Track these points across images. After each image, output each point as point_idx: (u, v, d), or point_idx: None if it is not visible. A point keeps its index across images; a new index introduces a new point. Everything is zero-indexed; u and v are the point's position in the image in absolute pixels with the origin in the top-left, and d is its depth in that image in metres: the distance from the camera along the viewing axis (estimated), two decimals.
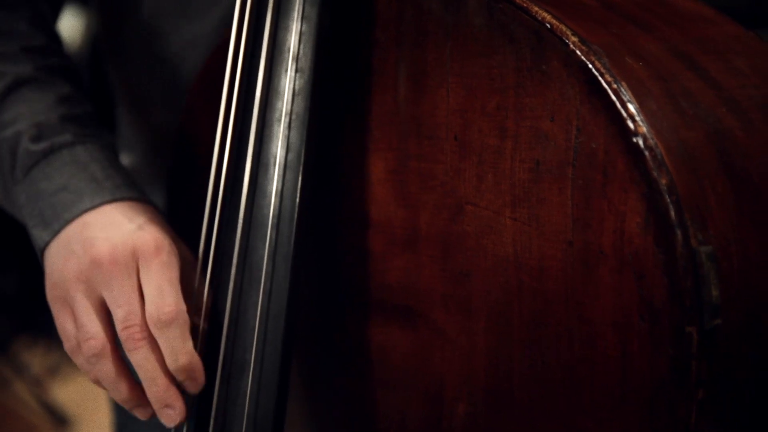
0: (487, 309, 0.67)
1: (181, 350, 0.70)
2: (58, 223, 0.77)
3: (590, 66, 0.61)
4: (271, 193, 0.71)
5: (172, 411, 0.71)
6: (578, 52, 0.61)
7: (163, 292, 0.71)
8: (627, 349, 0.61)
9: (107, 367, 0.72)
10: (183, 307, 0.71)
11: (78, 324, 0.73)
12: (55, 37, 0.92)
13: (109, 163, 0.80)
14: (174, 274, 0.72)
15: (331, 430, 0.81)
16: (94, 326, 0.72)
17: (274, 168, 0.71)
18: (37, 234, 0.78)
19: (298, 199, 0.70)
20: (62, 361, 2.90)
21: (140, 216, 0.76)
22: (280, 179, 0.71)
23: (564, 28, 0.62)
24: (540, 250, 0.64)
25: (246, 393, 0.71)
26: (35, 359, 2.92)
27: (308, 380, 0.81)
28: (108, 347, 0.72)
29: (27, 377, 2.82)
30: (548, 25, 0.62)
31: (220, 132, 0.73)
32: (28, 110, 0.82)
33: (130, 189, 0.79)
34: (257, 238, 0.71)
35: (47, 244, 0.77)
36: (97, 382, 0.74)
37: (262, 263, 0.71)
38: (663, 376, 0.59)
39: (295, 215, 0.70)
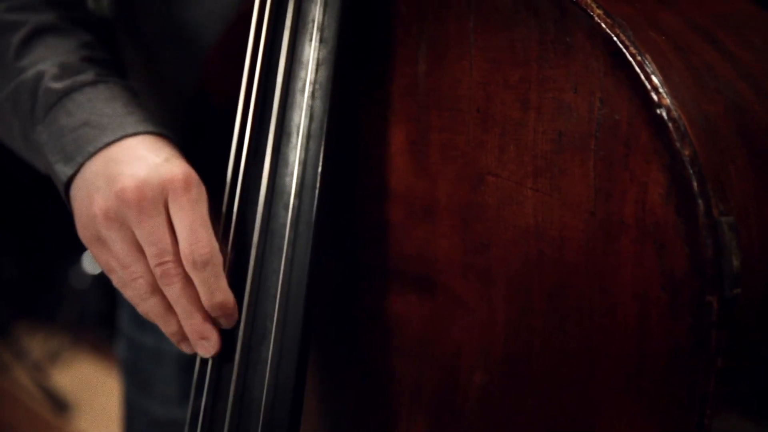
0: (506, 279, 0.68)
1: (216, 288, 0.71)
2: (81, 156, 0.76)
3: (615, 39, 0.61)
4: (293, 162, 0.72)
5: (207, 343, 0.73)
6: (603, 24, 0.62)
7: (196, 232, 0.71)
8: (646, 319, 0.61)
9: (157, 303, 0.73)
10: (216, 246, 0.71)
11: (121, 264, 0.73)
12: None
13: (131, 101, 0.80)
14: (205, 210, 0.72)
15: (347, 398, 0.81)
16: (139, 265, 0.72)
17: (297, 137, 0.72)
18: (60, 169, 0.77)
19: (320, 168, 0.71)
20: (62, 347, 2.91)
21: (165, 149, 0.75)
22: (303, 148, 0.71)
23: (589, 1, 0.63)
24: (561, 221, 0.65)
25: (267, 360, 0.71)
26: (36, 345, 2.93)
27: (324, 348, 0.82)
28: (157, 285, 0.72)
29: (27, 363, 2.83)
30: None
31: (243, 101, 0.74)
32: (50, 53, 0.81)
33: (152, 124, 0.78)
34: (279, 206, 0.72)
35: (70, 178, 0.77)
36: (147, 315, 0.75)
37: (285, 231, 0.71)
38: (682, 345, 0.60)
39: (318, 184, 0.71)
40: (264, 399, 0.71)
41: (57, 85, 0.79)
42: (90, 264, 2.89)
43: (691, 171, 0.58)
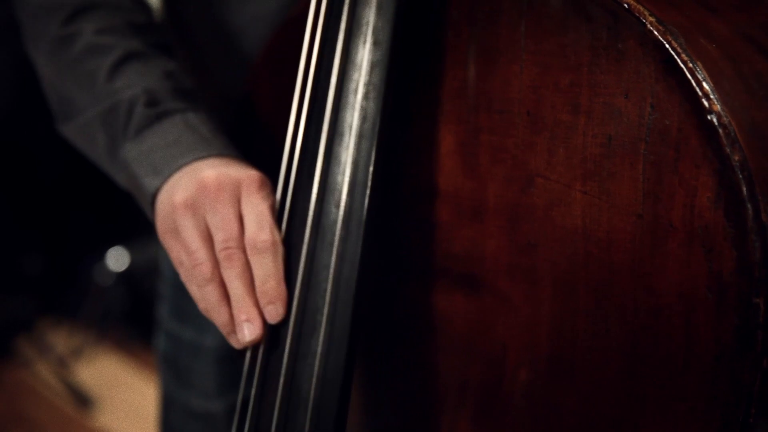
0: (552, 279, 0.69)
1: (271, 275, 0.75)
2: (169, 169, 0.82)
3: (667, 46, 0.63)
4: (345, 161, 0.73)
5: (249, 326, 0.75)
6: (655, 31, 0.63)
7: (262, 222, 0.76)
8: (692, 319, 0.63)
9: (213, 291, 0.77)
10: (278, 238, 0.76)
11: (187, 251, 0.78)
12: (151, 13, 0.97)
13: (215, 128, 0.86)
14: (273, 209, 0.77)
15: (392, 393, 0.83)
16: (202, 253, 0.77)
17: (350, 137, 0.73)
18: (148, 182, 0.83)
19: (371, 168, 0.73)
20: (86, 342, 2.93)
21: (244, 164, 0.82)
22: (355, 148, 0.73)
23: (641, 8, 0.64)
24: (609, 223, 0.66)
25: (316, 352, 0.73)
26: (59, 340, 2.96)
27: (370, 343, 0.83)
28: (216, 272, 0.77)
29: (51, 358, 2.85)
30: (626, 5, 0.65)
31: (297, 101, 0.76)
32: (140, 79, 0.88)
33: (235, 150, 0.85)
34: (331, 203, 0.74)
35: (158, 189, 0.83)
36: (206, 311, 0.78)
37: (336, 228, 0.73)
38: (727, 345, 0.61)
39: (369, 182, 0.73)
40: (312, 390, 0.73)
41: (150, 111, 0.86)
42: (114, 261, 2.92)
43: (740, 176, 0.60)
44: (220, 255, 0.76)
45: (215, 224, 0.77)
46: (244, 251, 0.76)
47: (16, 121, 2.97)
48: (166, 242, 0.81)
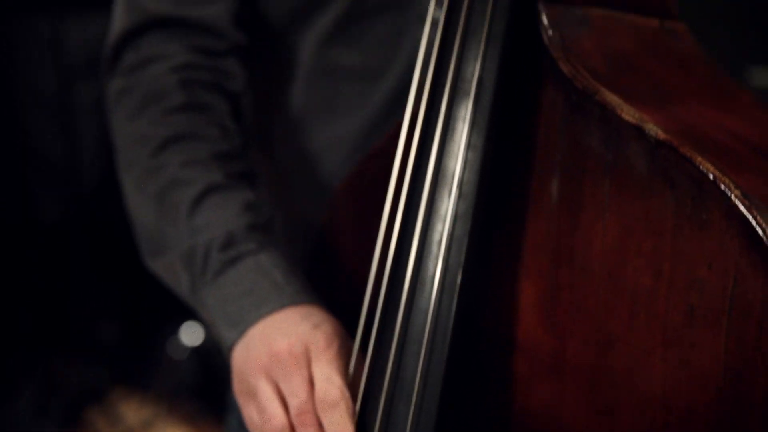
0: None
1: (341, 430, 0.76)
2: (244, 324, 0.85)
3: (752, 222, 0.63)
4: (426, 311, 0.74)
5: None
6: (741, 206, 0.63)
7: (330, 379, 0.78)
8: None
9: None
10: (347, 394, 0.77)
11: (260, 408, 0.80)
12: (236, 136, 0.99)
13: (289, 270, 0.88)
14: (342, 365, 0.79)
15: None
16: (275, 409, 0.79)
17: (431, 287, 0.74)
18: (225, 334, 0.86)
19: (452, 321, 0.73)
20: (156, 415, 2.96)
21: (315, 317, 0.83)
22: (437, 299, 0.74)
23: (728, 181, 0.64)
24: (689, 393, 0.66)
25: None
26: (130, 412, 2.98)
27: None
28: (288, 428, 0.79)
29: (120, 429, 2.88)
30: (711, 176, 0.65)
31: (380, 248, 0.77)
32: (218, 217, 0.90)
33: (307, 294, 0.86)
34: (410, 354, 0.74)
35: (234, 342, 0.85)
36: None
37: (415, 379, 0.74)
38: None
39: (449, 335, 0.73)
40: None
41: (224, 257, 0.88)
42: (188, 336, 2.95)
43: None
44: (295, 420, 0.78)
45: (289, 390, 0.79)
46: (317, 414, 0.77)
47: (101, 194, 3.05)
48: (240, 400, 0.84)
